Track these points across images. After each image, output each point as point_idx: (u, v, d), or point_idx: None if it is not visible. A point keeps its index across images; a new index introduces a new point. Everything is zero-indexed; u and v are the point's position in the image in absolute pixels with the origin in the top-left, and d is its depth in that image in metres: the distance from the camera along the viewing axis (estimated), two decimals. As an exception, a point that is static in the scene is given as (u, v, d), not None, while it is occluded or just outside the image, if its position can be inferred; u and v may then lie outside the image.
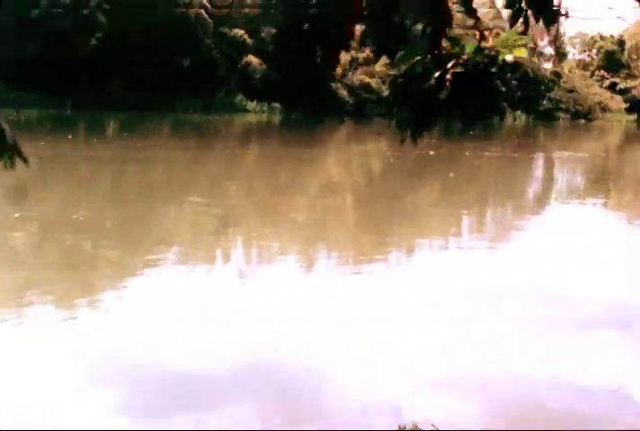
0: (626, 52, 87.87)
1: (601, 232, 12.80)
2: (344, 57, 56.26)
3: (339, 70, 55.53)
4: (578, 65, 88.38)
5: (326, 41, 44.26)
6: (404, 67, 2.60)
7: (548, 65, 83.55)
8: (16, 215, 11.71)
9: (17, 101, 38.82)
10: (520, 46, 2.52)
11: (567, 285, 8.94)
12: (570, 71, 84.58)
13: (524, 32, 2.76)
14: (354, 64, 57.22)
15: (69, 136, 25.57)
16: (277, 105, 51.94)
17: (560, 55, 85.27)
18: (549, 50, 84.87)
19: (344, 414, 5.15)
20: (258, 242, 10.89)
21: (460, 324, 7.14)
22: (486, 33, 2.55)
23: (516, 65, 2.53)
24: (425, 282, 8.85)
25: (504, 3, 2.80)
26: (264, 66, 51.13)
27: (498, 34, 2.73)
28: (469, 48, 2.54)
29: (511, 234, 12.31)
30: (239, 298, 7.78)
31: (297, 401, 5.34)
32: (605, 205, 17.10)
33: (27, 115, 36.15)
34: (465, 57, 2.52)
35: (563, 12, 2.73)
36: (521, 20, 2.66)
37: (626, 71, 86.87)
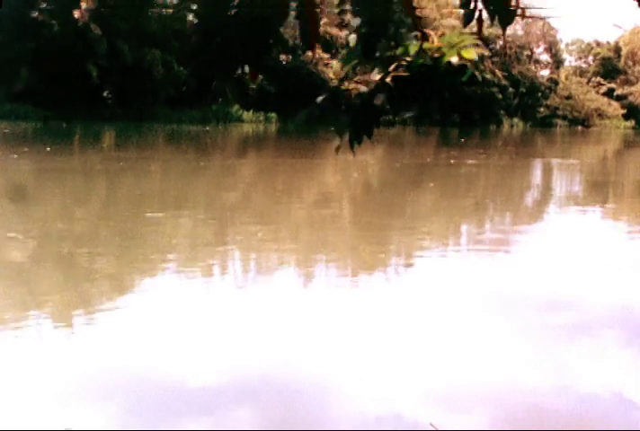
0: (622, 58, 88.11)
1: (601, 239, 12.68)
2: (340, 66, 56.31)
3: (334, 80, 55.59)
4: (575, 72, 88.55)
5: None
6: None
7: (545, 72, 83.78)
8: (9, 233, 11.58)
9: (13, 112, 38.90)
10: (468, 46, 2.36)
11: (571, 292, 8.94)
12: (566, 78, 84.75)
13: (478, 33, 2.66)
14: (349, 73, 57.17)
15: (47, 148, 25.32)
16: (273, 115, 52.04)
17: (556, 62, 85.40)
18: (545, 57, 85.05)
19: (346, 425, 5.12)
20: (256, 253, 10.82)
21: (463, 332, 7.10)
22: (432, 34, 2.42)
23: (463, 67, 2.36)
24: (428, 290, 8.80)
25: (459, 2, 2.70)
26: (260, 76, 51.19)
27: (443, 34, 2.61)
28: (412, 49, 2.39)
29: (503, 245, 12.19)
30: (238, 309, 7.72)
31: (298, 414, 5.27)
32: (604, 212, 16.96)
33: (22, 127, 36.21)
34: (408, 59, 2.38)
35: (519, 12, 2.62)
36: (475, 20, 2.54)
37: (622, 77, 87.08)
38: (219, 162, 25.42)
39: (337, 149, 2.44)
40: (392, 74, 2.34)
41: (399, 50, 2.38)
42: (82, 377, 5.72)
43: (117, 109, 43.73)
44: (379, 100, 2.34)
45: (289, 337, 6.86)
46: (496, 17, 2.57)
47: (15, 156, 22.23)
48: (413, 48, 2.37)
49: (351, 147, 2.45)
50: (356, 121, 2.40)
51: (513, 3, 2.71)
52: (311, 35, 2.64)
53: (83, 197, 15.97)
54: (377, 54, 2.41)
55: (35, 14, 40.38)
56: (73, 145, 30.27)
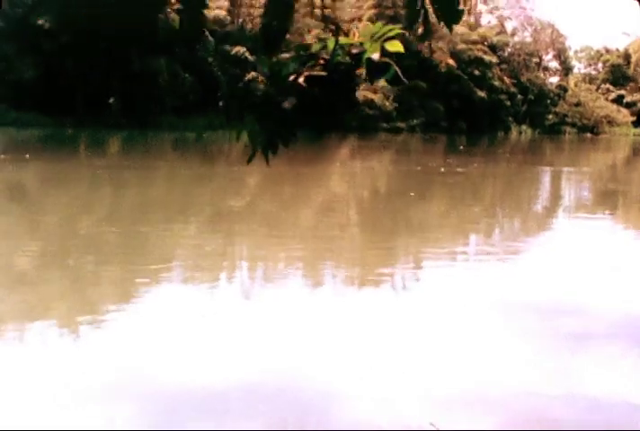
0: (632, 65, 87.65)
1: (600, 251, 12.38)
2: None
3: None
4: (584, 79, 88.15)
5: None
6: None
7: (554, 80, 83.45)
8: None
9: (18, 120, 38.88)
10: (392, 38, 2.05)
11: (580, 299, 8.86)
12: (575, 85, 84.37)
13: (424, 35, 2.41)
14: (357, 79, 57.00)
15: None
16: (279, 122, 51.81)
17: (565, 69, 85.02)
18: (554, 64, 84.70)
19: (350, 425, 5.11)
20: (263, 260, 10.75)
21: (470, 339, 7.03)
22: (351, 28, 2.12)
23: (386, 64, 2.06)
24: (436, 297, 8.72)
25: (404, 2, 2.46)
26: (267, 83, 50.99)
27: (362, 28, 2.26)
28: (330, 45, 2.07)
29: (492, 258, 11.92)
30: (245, 315, 7.66)
31: (306, 422, 5.20)
32: (596, 225, 16.61)
33: (28, 134, 36.18)
34: (326, 57, 2.07)
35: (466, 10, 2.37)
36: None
37: (632, 84, 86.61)
38: (221, 169, 25.23)
39: (249, 159, 2.14)
40: (305, 73, 2.05)
41: (315, 47, 2.07)
42: (93, 382, 5.68)
43: (122, 116, 43.65)
44: (288, 103, 2.05)
45: (295, 340, 6.85)
46: (443, 18, 2.32)
47: (22, 162, 22.08)
48: (331, 43, 2.07)
49: (265, 157, 2.14)
50: (266, 127, 2.12)
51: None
52: (193, 22, 2.32)
53: (87, 204, 15.84)
54: (290, 50, 2.11)
55: (41, 22, 40.34)
56: (79, 153, 30.16)
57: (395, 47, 2.04)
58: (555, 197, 22.78)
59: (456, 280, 9.62)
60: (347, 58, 2.05)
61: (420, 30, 2.23)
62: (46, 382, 5.66)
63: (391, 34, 2.03)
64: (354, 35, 2.06)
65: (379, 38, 2.04)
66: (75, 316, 7.58)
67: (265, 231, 13.30)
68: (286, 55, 2.07)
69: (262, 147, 2.09)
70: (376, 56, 2.02)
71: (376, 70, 2.03)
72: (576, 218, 17.17)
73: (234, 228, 13.54)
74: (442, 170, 26.70)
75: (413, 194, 19.82)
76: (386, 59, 2.04)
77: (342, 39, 2.05)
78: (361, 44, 2.05)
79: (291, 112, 2.01)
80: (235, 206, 16.59)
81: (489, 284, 9.51)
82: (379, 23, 2.07)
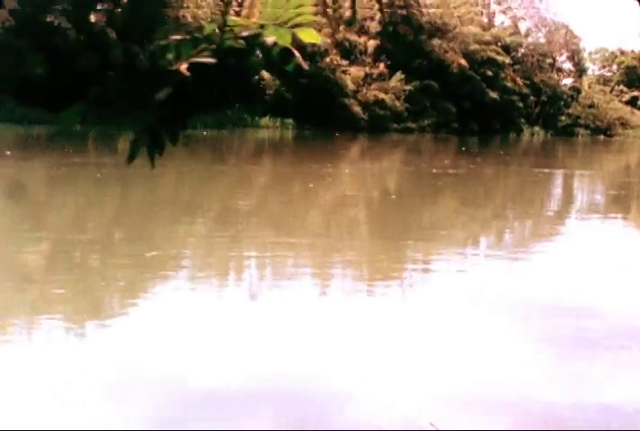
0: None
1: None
2: (358, 73, 55.91)
3: (353, 86, 55.13)
4: (598, 81, 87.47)
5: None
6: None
7: (568, 81, 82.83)
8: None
9: (26, 117, 38.83)
10: (305, 25, 1.69)
11: (592, 301, 8.80)
12: (589, 86, 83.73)
13: (351, 20, 2.08)
14: (368, 80, 56.77)
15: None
16: (289, 121, 51.58)
17: (579, 70, 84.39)
18: (568, 66, 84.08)
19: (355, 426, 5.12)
20: (271, 260, 10.70)
21: (480, 342, 7.00)
22: (249, 8, 1.76)
23: (285, 53, 1.72)
24: (445, 298, 8.68)
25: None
26: (277, 82, 50.81)
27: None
28: (209, 28, 1.74)
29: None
30: (253, 316, 7.68)
31: (306, 422, 5.19)
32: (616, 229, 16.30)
33: (37, 131, 36.14)
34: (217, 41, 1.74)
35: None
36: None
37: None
38: (230, 168, 25.07)
39: (129, 159, 1.79)
40: (189, 60, 1.72)
41: (207, 29, 1.76)
42: (97, 381, 5.71)
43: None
44: (163, 94, 1.72)
45: (295, 340, 6.88)
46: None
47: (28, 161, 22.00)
48: (211, 27, 1.74)
49: (151, 158, 1.80)
50: (142, 122, 1.78)
51: None
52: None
53: (97, 201, 15.77)
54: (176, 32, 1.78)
55: (50, 18, 40.29)
56: (101, 151, 30.12)
57: (310, 36, 1.72)
58: (548, 201, 22.27)
59: (444, 280, 9.60)
60: (241, 43, 1.73)
61: (348, 14, 1.92)
62: (46, 382, 5.63)
63: (301, 20, 1.69)
64: (254, 16, 1.75)
65: (286, 22, 1.71)
66: (81, 315, 7.57)
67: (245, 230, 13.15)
68: (177, 37, 1.77)
69: (147, 147, 1.78)
70: (270, 40, 1.71)
71: (279, 58, 1.73)
72: (563, 224, 16.94)
73: (241, 226, 13.46)
74: (434, 171, 26.24)
75: (394, 196, 19.44)
76: (284, 44, 1.71)
77: (235, 20, 1.74)
78: (262, 27, 1.72)
79: (167, 104, 1.71)
80: (242, 205, 16.47)
81: (482, 285, 9.37)
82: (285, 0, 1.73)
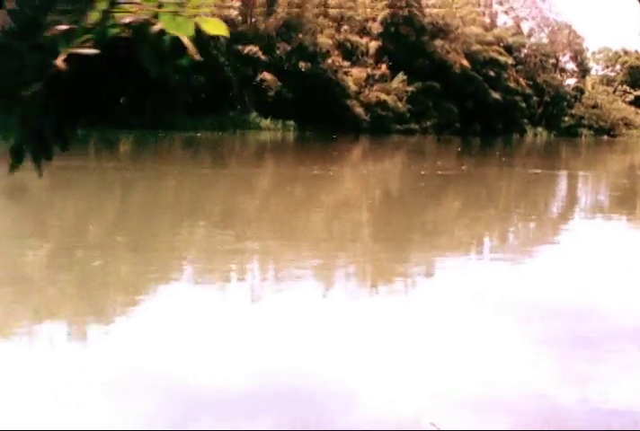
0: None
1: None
2: (360, 74, 55.78)
3: (355, 87, 55.02)
4: (601, 81, 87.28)
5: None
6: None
7: (571, 81, 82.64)
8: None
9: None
10: (207, 14, 1.46)
11: (597, 302, 8.78)
12: (593, 86, 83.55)
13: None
14: (370, 81, 56.65)
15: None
16: (291, 122, 51.48)
17: (582, 70, 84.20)
18: (571, 66, 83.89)
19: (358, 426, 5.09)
20: (273, 262, 10.66)
21: (483, 343, 6.95)
22: None
23: (177, 43, 1.48)
24: (449, 298, 8.63)
25: None
26: (279, 83, 50.71)
27: None
28: (93, 16, 1.52)
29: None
30: (255, 317, 7.65)
31: (306, 422, 5.16)
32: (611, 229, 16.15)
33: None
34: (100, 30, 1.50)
35: None
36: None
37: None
38: (231, 170, 24.97)
39: (11, 167, 1.58)
40: (67, 51, 1.48)
41: (93, 16, 1.53)
42: (98, 381, 5.71)
43: (132, 116, 43.47)
44: (30, 91, 1.50)
45: (296, 340, 6.86)
46: None
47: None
48: (96, 14, 1.50)
49: (37, 165, 1.58)
50: (28, 124, 1.55)
51: None
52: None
53: (100, 204, 15.70)
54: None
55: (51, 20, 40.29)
56: (88, 152, 30.00)
57: (216, 28, 1.47)
58: (541, 202, 21.88)
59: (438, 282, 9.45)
60: (129, 32, 1.49)
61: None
62: (46, 382, 5.64)
63: (204, 10, 1.44)
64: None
65: (180, 9, 1.45)
66: (83, 317, 7.55)
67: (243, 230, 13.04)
68: (62, 27, 1.55)
69: (32, 153, 1.56)
70: (157, 27, 1.46)
71: (170, 51, 1.51)
72: (566, 224, 16.80)
73: (243, 228, 13.37)
74: (423, 172, 25.94)
75: (370, 201, 19.11)
76: (176, 34, 1.45)
77: (124, 6, 1.50)
78: (156, 16, 1.48)
79: (41, 98, 1.49)
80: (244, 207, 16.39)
81: (485, 286, 9.25)
82: None
